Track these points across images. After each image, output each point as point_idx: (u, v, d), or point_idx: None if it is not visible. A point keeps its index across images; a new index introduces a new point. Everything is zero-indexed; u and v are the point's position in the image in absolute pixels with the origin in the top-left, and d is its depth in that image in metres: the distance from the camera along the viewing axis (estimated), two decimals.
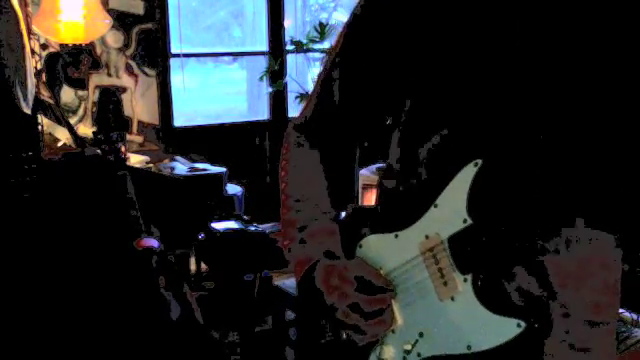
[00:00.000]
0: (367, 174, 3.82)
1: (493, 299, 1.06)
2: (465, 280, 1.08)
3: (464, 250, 1.08)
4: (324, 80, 1.29)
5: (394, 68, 1.18)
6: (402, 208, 1.18)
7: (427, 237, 1.12)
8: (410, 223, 1.15)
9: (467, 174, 1.07)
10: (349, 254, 1.23)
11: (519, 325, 1.03)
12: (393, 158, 1.23)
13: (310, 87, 4.63)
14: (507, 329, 1.04)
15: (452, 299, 1.09)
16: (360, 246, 1.22)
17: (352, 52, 1.25)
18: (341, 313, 1.14)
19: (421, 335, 1.14)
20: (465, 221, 1.07)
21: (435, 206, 1.11)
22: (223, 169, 3.85)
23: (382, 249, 1.19)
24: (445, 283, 1.10)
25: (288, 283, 2.92)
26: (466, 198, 1.07)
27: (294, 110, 4.87)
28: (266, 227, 3.23)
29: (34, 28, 3.62)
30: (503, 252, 1.06)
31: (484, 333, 1.06)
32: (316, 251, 1.21)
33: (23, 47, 2.60)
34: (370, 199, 3.61)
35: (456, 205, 1.08)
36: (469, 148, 1.08)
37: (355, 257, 1.22)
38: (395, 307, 1.17)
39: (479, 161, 1.06)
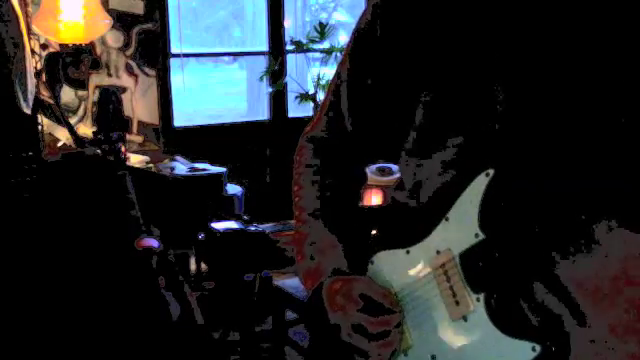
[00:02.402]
0: (367, 174, 3.82)
1: (507, 320, 1.01)
2: (478, 299, 1.03)
3: (476, 267, 1.03)
4: (333, 100, 1.27)
5: (404, 82, 1.15)
6: (413, 222, 1.14)
7: (438, 252, 1.08)
8: (421, 238, 1.11)
9: (478, 185, 1.03)
10: (359, 268, 1.19)
11: (534, 349, 0.97)
12: (403, 170, 1.20)
13: (310, 87, 4.64)
14: (521, 353, 0.98)
15: (464, 319, 1.04)
16: (372, 262, 1.19)
17: (359, 70, 1.22)
18: (345, 333, 1.11)
19: (434, 358, 1.09)
20: (477, 236, 1.02)
21: (446, 219, 1.07)
22: (223, 169, 3.85)
23: (393, 266, 1.15)
24: (457, 302, 1.05)
25: (288, 283, 2.91)
26: (478, 211, 1.02)
27: (294, 110, 4.87)
28: (266, 227, 3.23)
29: (34, 28, 3.62)
30: (517, 269, 1.01)
31: (497, 357, 1.00)
32: (324, 267, 1.19)
33: (23, 47, 2.60)
34: (370, 199, 3.61)
35: (468, 218, 1.03)
36: (481, 157, 1.04)
37: (366, 273, 1.18)
38: (406, 327, 1.13)
39: (490, 171, 1.02)
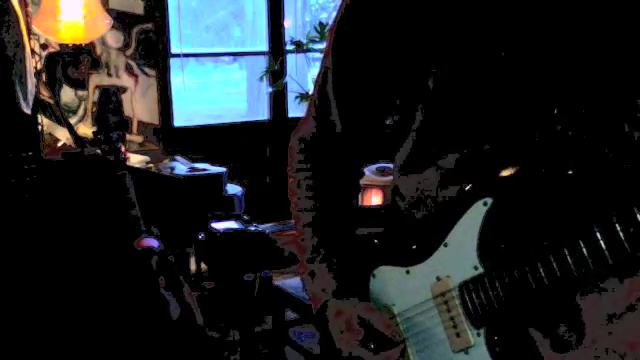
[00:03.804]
0: (367, 174, 3.82)
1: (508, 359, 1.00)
2: (478, 334, 1.02)
3: (475, 301, 1.02)
4: (319, 99, 1.22)
5: (391, 78, 1.10)
6: (413, 238, 1.13)
7: (438, 279, 1.07)
8: (421, 259, 1.10)
9: (476, 213, 1.00)
10: (359, 278, 1.18)
11: None
12: (399, 177, 1.17)
13: (310, 87, 4.63)
14: None
15: (465, 352, 1.04)
16: (373, 275, 1.18)
17: (343, 65, 1.17)
18: None
19: None
20: (476, 268, 1.01)
21: (445, 245, 1.05)
22: (223, 169, 3.85)
23: (394, 284, 1.14)
24: (458, 334, 1.05)
25: (288, 283, 2.92)
26: (476, 242, 1.01)
27: (294, 110, 4.87)
28: (266, 227, 3.23)
29: (34, 28, 3.62)
30: (517, 306, 0.98)
31: None
32: (322, 288, 1.19)
33: (23, 47, 2.60)
34: (370, 199, 3.61)
35: (466, 248, 1.02)
36: (478, 174, 1.01)
37: (365, 284, 1.18)
38: (410, 351, 1.13)
39: (488, 200, 0.99)
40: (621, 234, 0.87)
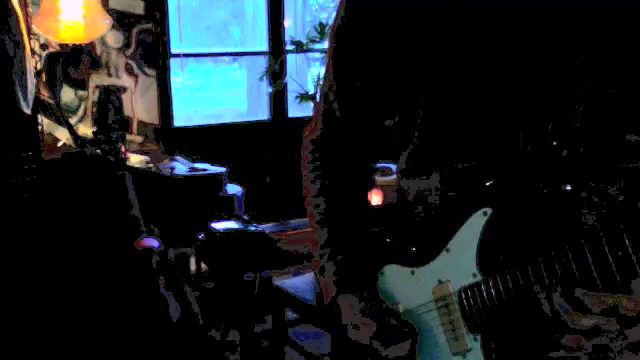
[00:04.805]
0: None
1: None
2: (475, 339, 1.06)
3: (473, 308, 1.05)
4: (325, 103, 1.27)
5: (391, 82, 1.13)
6: (418, 239, 1.16)
7: (440, 282, 1.10)
8: (425, 261, 1.13)
9: (476, 222, 1.04)
10: (364, 277, 1.22)
11: None
12: (404, 180, 1.19)
13: (310, 87, 4.63)
14: None
15: (463, 356, 1.07)
16: (382, 273, 1.21)
17: (345, 71, 1.21)
18: (364, 354, 1.15)
19: None
20: (475, 276, 1.05)
21: (447, 250, 1.09)
22: (223, 169, 3.85)
23: (400, 284, 1.18)
24: (456, 337, 1.08)
25: (288, 283, 2.92)
26: (476, 251, 1.04)
27: (294, 110, 4.87)
28: (266, 227, 3.23)
29: (34, 28, 3.62)
30: (511, 315, 1.02)
31: None
32: (332, 284, 1.23)
33: (23, 47, 2.60)
34: (370, 199, 3.61)
35: (466, 255, 1.06)
36: (480, 184, 1.03)
37: (372, 280, 1.21)
38: (416, 347, 1.16)
39: (488, 210, 1.02)
40: (609, 256, 0.90)
